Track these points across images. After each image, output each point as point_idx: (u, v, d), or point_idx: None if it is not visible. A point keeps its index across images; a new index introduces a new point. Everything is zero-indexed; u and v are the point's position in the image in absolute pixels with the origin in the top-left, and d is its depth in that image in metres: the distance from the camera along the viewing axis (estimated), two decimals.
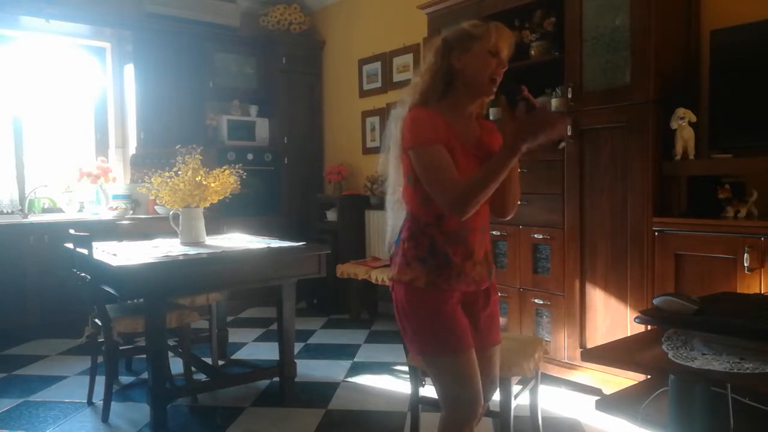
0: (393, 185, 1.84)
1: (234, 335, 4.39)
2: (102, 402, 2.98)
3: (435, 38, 1.78)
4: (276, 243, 3.34)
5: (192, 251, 3.00)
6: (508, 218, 1.85)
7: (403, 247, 1.77)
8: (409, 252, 1.75)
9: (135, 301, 3.28)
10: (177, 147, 3.35)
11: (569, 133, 1.66)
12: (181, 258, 2.85)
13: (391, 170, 1.82)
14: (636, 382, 1.91)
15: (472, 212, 1.64)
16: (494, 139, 1.83)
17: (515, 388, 2.29)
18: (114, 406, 3.04)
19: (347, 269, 4.89)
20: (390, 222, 1.88)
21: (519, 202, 3.50)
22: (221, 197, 3.37)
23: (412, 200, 1.76)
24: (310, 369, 3.69)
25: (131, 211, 5.10)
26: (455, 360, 1.72)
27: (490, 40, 1.68)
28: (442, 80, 1.72)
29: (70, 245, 3.11)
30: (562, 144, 1.68)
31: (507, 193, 1.78)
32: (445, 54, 1.72)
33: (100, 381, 3.07)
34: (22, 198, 4.98)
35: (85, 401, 3.18)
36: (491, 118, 3.48)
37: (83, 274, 2.98)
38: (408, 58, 4.97)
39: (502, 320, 3.50)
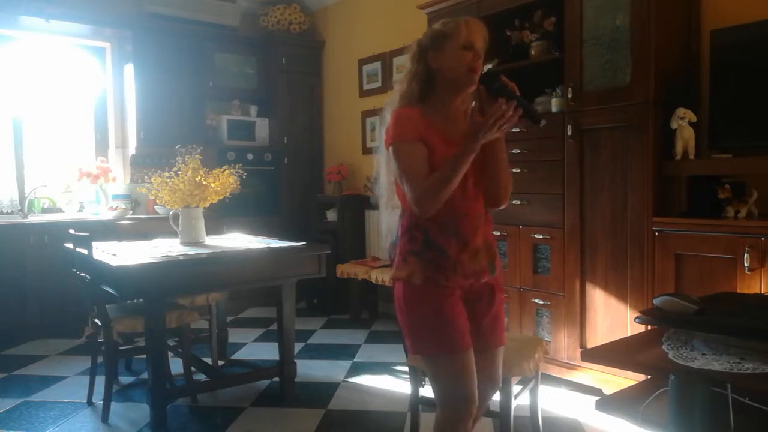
0: (386, 191, 1.87)
1: (234, 335, 4.39)
2: (102, 402, 2.98)
3: (411, 43, 1.83)
4: (276, 243, 3.34)
5: (192, 251, 3.00)
6: (503, 207, 1.86)
7: (400, 244, 1.80)
8: (405, 247, 1.78)
9: (135, 301, 3.28)
10: (177, 147, 3.35)
11: (542, 123, 1.66)
12: (181, 258, 2.85)
13: (381, 176, 1.86)
14: (636, 382, 1.91)
15: (434, 209, 1.67)
16: None
17: (515, 388, 2.29)
18: (114, 406, 3.04)
19: (347, 269, 4.88)
20: (384, 226, 1.92)
21: (519, 203, 3.52)
22: (221, 197, 3.37)
23: (405, 197, 1.76)
24: (310, 369, 3.69)
25: (131, 211, 5.10)
26: (451, 360, 1.73)
27: (461, 35, 1.72)
28: (420, 82, 1.77)
29: (69, 245, 3.11)
30: (543, 122, 1.67)
31: (497, 180, 1.79)
32: (421, 57, 1.77)
33: (100, 381, 3.07)
34: (22, 198, 4.97)
35: (85, 401, 3.18)
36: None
37: (83, 274, 2.98)
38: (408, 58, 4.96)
39: None
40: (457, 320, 1.74)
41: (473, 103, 1.80)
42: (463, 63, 1.71)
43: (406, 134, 1.70)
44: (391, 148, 1.73)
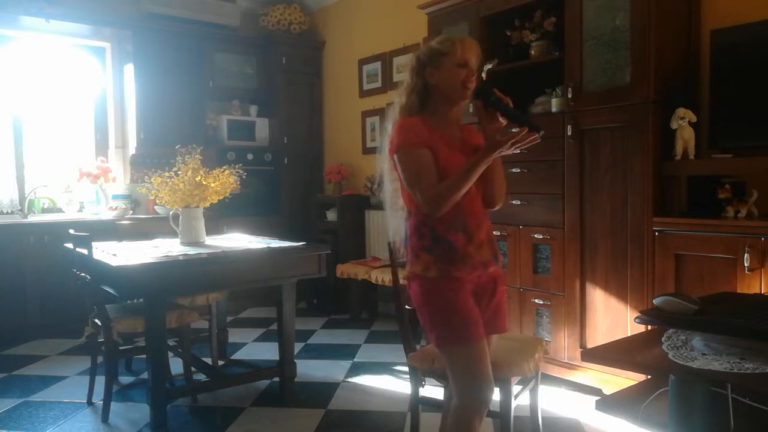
0: (390, 196, 2.01)
1: (234, 335, 4.39)
2: (102, 402, 2.98)
3: (410, 57, 1.98)
4: (276, 243, 3.34)
5: (192, 251, 3.00)
6: (497, 208, 2.00)
7: (411, 242, 1.91)
8: (415, 245, 1.89)
9: (135, 301, 3.28)
10: (177, 147, 3.34)
11: (540, 135, 1.78)
12: (181, 258, 2.85)
13: (385, 182, 2.00)
14: (636, 382, 1.91)
15: (445, 210, 1.81)
16: (476, 138, 1.99)
17: (515, 388, 2.29)
18: (114, 406, 3.04)
19: (347, 269, 4.88)
20: (390, 229, 2.04)
21: (519, 203, 3.52)
22: (221, 197, 3.37)
23: (410, 199, 1.90)
24: (310, 369, 3.69)
25: (131, 211, 5.10)
26: (468, 350, 1.83)
27: (456, 53, 1.85)
28: (418, 95, 1.91)
29: (69, 245, 3.11)
30: (541, 132, 1.79)
31: (493, 183, 1.95)
32: (419, 72, 1.91)
33: (100, 381, 3.06)
34: (22, 198, 4.97)
35: (85, 401, 3.18)
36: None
37: (83, 274, 2.98)
38: (408, 58, 4.95)
39: None
40: (471, 312, 1.86)
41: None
42: (458, 79, 1.86)
43: (412, 140, 1.83)
44: (397, 155, 1.85)
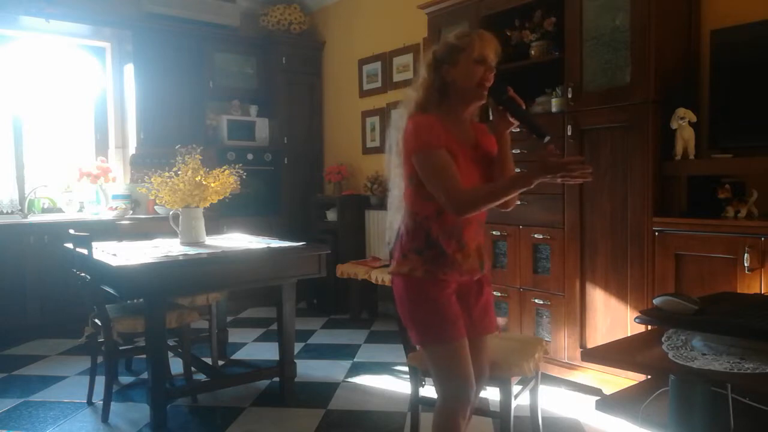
0: (394, 187, 1.95)
1: (234, 335, 4.39)
2: (102, 402, 2.98)
3: (426, 52, 1.90)
4: (276, 243, 3.34)
5: (192, 251, 3.00)
6: (510, 210, 2.01)
7: (401, 241, 1.89)
8: (406, 245, 1.87)
9: (135, 301, 3.28)
10: (177, 147, 3.34)
11: (546, 142, 1.74)
12: (181, 258, 2.85)
13: (391, 174, 1.93)
14: (636, 382, 1.91)
15: (473, 214, 1.78)
16: (487, 139, 1.94)
17: (515, 388, 2.29)
18: (114, 406, 3.04)
19: (347, 269, 4.88)
20: (390, 219, 1.99)
21: (519, 202, 3.52)
22: (221, 197, 3.37)
23: (413, 200, 1.86)
24: (310, 369, 3.69)
25: (131, 211, 5.10)
26: (448, 348, 1.83)
27: (474, 49, 1.78)
28: (436, 92, 1.84)
29: (69, 245, 3.11)
30: (547, 138, 1.74)
31: None
32: (436, 68, 1.84)
33: (100, 381, 3.06)
34: (22, 198, 4.98)
35: (85, 401, 3.18)
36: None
37: (83, 274, 2.98)
38: (408, 58, 4.97)
39: (502, 320, 3.51)
40: (453, 311, 1.85)
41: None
42: (474, 78, 1.79)
43: (433, 142, 1.76)
44: (415, 158, 1.78)
